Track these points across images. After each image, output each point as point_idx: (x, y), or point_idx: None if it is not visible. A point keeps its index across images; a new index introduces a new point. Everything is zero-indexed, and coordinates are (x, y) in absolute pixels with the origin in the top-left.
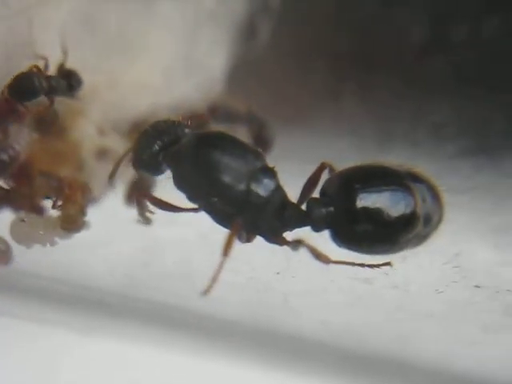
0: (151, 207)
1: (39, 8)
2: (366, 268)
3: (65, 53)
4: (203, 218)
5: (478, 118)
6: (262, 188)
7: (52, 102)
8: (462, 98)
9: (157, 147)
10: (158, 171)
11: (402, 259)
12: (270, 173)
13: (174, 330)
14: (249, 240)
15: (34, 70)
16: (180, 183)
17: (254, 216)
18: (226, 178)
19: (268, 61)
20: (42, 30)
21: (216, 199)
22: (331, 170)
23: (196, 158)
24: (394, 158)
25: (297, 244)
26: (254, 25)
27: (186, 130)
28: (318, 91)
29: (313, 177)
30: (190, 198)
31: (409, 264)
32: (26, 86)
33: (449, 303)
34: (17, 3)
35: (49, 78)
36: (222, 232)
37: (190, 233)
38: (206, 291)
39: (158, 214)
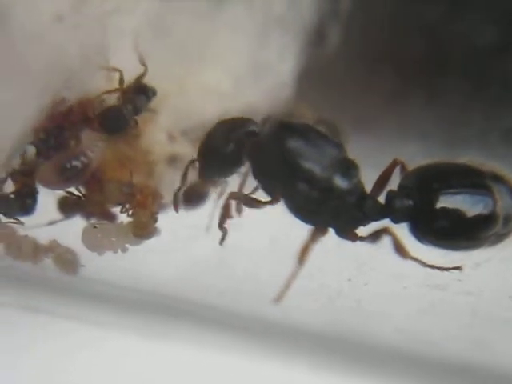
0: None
1: (113, 15)
2: (436, 270)
3: (144, 65)
4: (273, 223)
5: None
6: (345, 178)
7: (137, 123)
8: None
9: (233, 141)
10: (237, 166)
11: (476, 266)
12: (352, 164)
13: (244, 337)
14: (323, 233)
15: (118, 96)
16: (261, 173)
17: (335, 206)
18: (311, 166)
19: (336, 65)
20: (115, 38)
21: (299, 187)
22: (403, 167)
23: (282, 145)
24: None
25: (379, 234)
26: (322, 29)
27: (256, 126)
28: (387, 95)
29: (384, 173)
30: (271, 189)
31: (482, 271)
32: (117, 120)
33: None
34: (92, 11)
35: (133, 100)
36: (291, 237)
37: (260, 238)
38: (279, 298)
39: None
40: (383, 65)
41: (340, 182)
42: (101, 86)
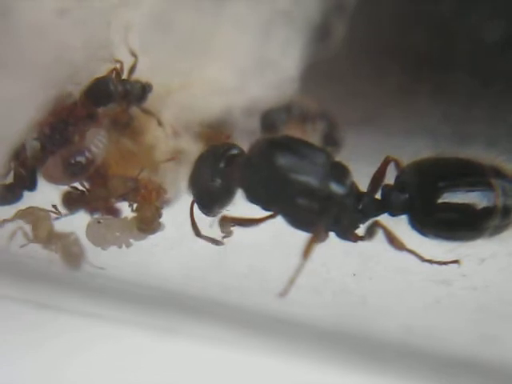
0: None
1: (118, 10)
2: (435, 265)
3: (135, 56)
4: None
5: None
6: (339, 183)
7: (128, 106)
8: None
9: (219, 173)
10: (232, 194)
11: (481, 261)
12: (343, 167)
13: (249, 332)
14: (324, 239)
15: (112, 74)
16: (255, 193)
17: (334, 212)
18: (306, 178)
19: (341, 60)
20: (119, 32)
21: (296, 201)
22: (397, 164)
23: (272, 162)
24: None
25: (372, 229)
26: (327, 24)
27: (235, 148)
28: (392, 91)
29: (378, 172)
30: (267, 207)
31: (487, 266)
32: (102, 91)
33: None
34: (96, 4)
35: (124, 82)
36: (294, 233)
37: (264, 234)
38: (283, 294)
39: None
40: (389, 60)
41: (336, 188)
42: None
